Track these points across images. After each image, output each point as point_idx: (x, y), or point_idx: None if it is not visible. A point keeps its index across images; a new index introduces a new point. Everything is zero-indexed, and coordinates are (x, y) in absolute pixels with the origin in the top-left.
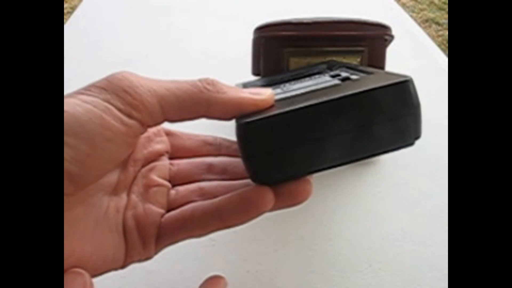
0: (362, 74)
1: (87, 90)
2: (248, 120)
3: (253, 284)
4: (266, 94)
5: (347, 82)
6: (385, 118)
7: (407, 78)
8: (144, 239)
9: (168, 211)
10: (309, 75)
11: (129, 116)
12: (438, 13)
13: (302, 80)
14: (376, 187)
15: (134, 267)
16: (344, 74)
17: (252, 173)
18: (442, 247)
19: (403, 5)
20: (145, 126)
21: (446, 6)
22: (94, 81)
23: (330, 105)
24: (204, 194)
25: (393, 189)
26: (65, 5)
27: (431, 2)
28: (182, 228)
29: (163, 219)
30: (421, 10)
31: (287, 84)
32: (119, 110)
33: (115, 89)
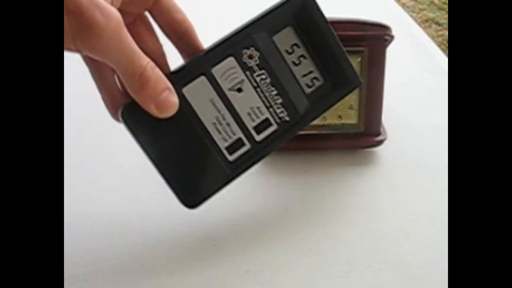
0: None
1: None
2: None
3: (253, 284)
4: (170, 113)
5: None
6: None
7: None
8: None
9: None
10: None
11: None
12: (438, 13)
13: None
14: (376, 187)
15: (134, 267)
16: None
17: None
18: (442, 247)
19: (403, 5)
20: None
21: (446, 6)
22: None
23: None
24: None
25: (393, 189)
26: None
27: (431, 2)
28: None
29: None
30: (421, 10)
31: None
32: None
33: None
